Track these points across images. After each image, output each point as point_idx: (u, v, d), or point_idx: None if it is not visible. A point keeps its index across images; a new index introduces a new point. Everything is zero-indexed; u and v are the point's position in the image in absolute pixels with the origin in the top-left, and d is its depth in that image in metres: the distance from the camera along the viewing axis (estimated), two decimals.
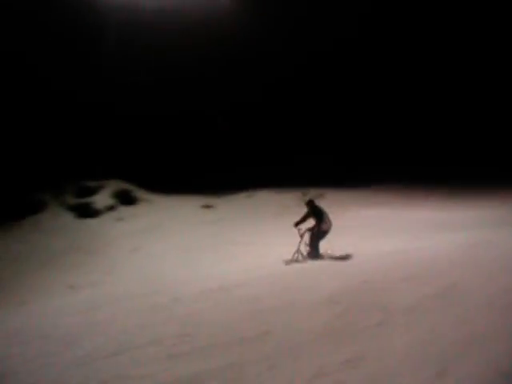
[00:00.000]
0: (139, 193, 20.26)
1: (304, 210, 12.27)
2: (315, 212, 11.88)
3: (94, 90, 22.81)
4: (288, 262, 11.54)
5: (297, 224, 12.01)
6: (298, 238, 11.84)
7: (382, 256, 10.74)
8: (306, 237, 11.92)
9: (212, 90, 25.64)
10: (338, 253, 11.56)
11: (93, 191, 20.13)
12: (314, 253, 11.68)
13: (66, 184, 20.67)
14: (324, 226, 11.67)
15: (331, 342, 5.50)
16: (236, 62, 26.23)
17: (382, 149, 25.47)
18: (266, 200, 20.40)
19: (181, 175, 23.03)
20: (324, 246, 11.83)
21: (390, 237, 13.57)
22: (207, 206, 19.65)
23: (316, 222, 11.78)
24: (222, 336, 6.24)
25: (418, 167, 23.81)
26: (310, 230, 11.82)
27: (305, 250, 11.93)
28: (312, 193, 20.60)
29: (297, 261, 11.63)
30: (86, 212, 18.91)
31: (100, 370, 5.61)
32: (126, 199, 19.68)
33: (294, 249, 11.90)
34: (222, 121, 27.10)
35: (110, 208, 19.10)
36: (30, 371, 6.22)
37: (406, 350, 4.95)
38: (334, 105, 27.14)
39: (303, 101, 27.19)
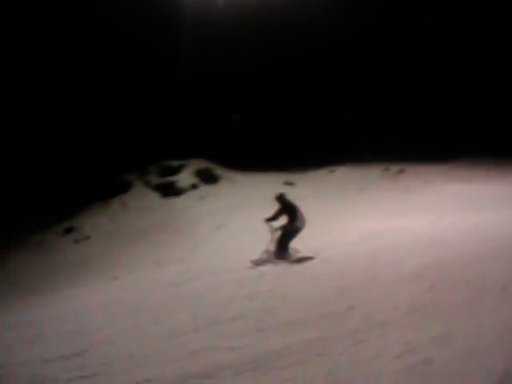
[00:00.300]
0: (221, 171, 20.46)
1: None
2: (287, 208, 10.70)
3: (174, 76, 23.23)
4: (255, 262, 10.59)
5: (268, 220, 10.81)
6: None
7: (467, 232, 10.25)
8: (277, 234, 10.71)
9: (291, 73, 25.46)
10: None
11: (176, 170, 20.53)
12: (283, 252, 10.47)
13: (150, 164, 21.22)
14: (298, 224, 10.50)
15: (418, 319, 5.36)
16: (315, 45, 25.79)
17: (464, 123, 24.34)
18: (346, 176, 20.08)
19: (262, 153, 23.11)
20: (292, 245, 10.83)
21: (474, 212, 12.96)
22: (288, 183, 19.53)
23: (289, 220, 10.56)
24: (307, 311, 6.23)
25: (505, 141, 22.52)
26: (283, 227, 10.57)
27: (274, 248, 10.69)
28: (393, 168, 20.09)
29: (265, 260, 10.50)
30: (170, 191, 19.34)
31: (189, 342, 5.77)
32: (208, 178, 19.95)
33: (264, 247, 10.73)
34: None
35: (193, 187, 19.42)
36: (125, 341, 6.53)
37: (500, 330, 4.72)
38: (412, 84, 26.17)
39: (383, 81, 26.43)
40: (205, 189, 19.32)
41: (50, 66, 23.88)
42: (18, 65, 23.69)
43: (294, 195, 17.92)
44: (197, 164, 20.70)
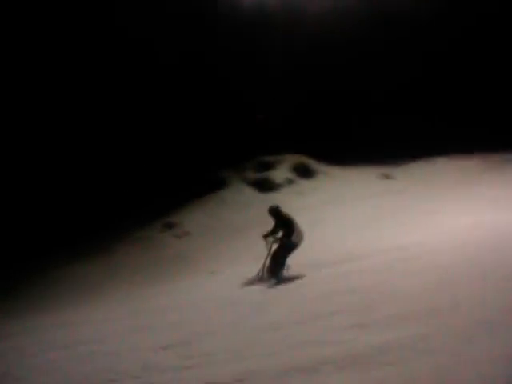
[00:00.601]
0: (317, 166, 20.30)
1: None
2: (283, 222, 10.08)
3: (267, 75, 23.49)
4: (251, 282, 10.16)
5: (266, 236, 10.35)
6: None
7: None
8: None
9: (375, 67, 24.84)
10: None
11: (272, 166, 20.66)
12: (277, 271, 9.86)
13: (246, 161, 21.49)
14: (294, 239, 9.85)
15: None
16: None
17: None
18: (446, 167, 19.22)
19: (358, 146, 22.67)
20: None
21: None
22: (386, 176, 19.06)
23: (284, 234, 9.96)
24: (409, 306, 5.96)
25: None
26: (279, 241, 10.05)
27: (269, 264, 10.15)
28: (494, 159, 18.86)
29: (261, 279, 10.03)
30: (266, 186, 19.48)
31: (289, 336, 5.72)
32: (304, 172, 19.90)
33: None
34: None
35: (289, 182, 19.46)
36: (226, 333, 6.62)
37: None
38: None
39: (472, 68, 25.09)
40: (301, 183, 19.29)
41: (156, 70, 24.72)
42: (125, 67, 24.85)
43: (393, 188, 17.63)
44: (292, 159, 20.71)
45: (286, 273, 9.89)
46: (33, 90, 24.28)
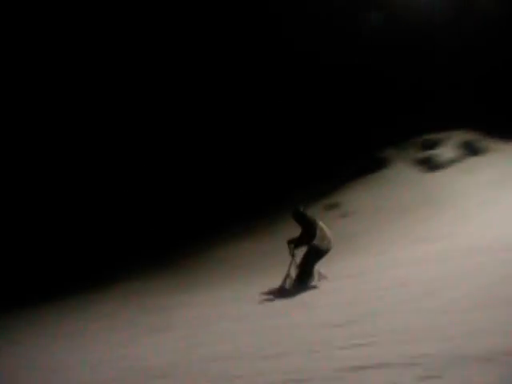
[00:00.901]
0: (487, 142, 19.00)
1: None
2: (308, 226, 9.46)
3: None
4: (276, 291, 9.72)
5: (290, 242, 9.74)
6: None
7: None
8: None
9: None
10: None
11: (437, 144, 19.89)
12: (304, 278, 9.40)
13: (409, 138, 20.94)
14: (322, 244, 9.29)
15: None
16: None
17: None
18: None
19: None
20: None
21: None
22: None
23: (309, 238, 9.36)
24: None
25: None
26: (306, 245, 9.49)
27: (295, 273, 9.63)
28: None
29: (286, 288, 9.62)
30: (431, 165, 18.84)
31: (463, 322, 5.45)
32: (472, 150, 18.83)
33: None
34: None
35: (456, 160, 18.57)
36: (394, 314, 6.64)
37: None
38: None
39: None
40: (469, 161, 18.26)
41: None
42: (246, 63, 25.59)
43: None
44: (459, 136, 19.69)
45: (315, 281, 9.72)
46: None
